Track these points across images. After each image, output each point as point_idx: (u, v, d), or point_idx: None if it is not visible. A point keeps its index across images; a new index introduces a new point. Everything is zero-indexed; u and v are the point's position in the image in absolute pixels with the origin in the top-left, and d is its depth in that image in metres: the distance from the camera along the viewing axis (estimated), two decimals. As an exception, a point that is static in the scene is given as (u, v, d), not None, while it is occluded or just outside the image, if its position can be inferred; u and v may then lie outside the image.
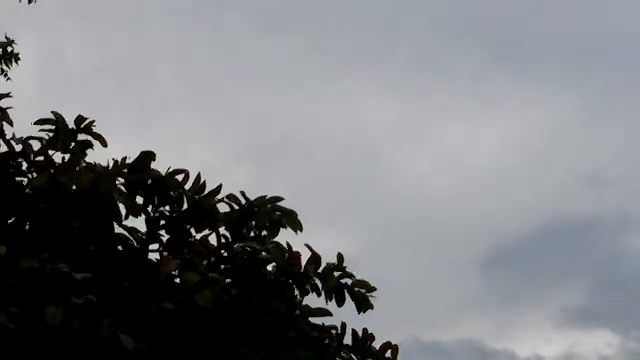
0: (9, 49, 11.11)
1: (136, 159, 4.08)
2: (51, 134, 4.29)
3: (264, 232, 4.15)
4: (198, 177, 4.14)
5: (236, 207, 4.12)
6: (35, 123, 4.27)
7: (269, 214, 4.05)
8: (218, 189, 4.14)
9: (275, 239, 4.12)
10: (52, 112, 4.31)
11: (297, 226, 4.06)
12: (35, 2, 11.30)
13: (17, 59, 11.20)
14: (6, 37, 11.20)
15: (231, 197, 4.13)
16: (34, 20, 11.11)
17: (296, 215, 4.08)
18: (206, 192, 4.10)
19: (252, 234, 4.08)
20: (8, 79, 11.18)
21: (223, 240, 4.14)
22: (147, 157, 4.06)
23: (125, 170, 4.11)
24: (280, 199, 4.13)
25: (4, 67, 11.11)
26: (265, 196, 4.13)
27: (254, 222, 4.05)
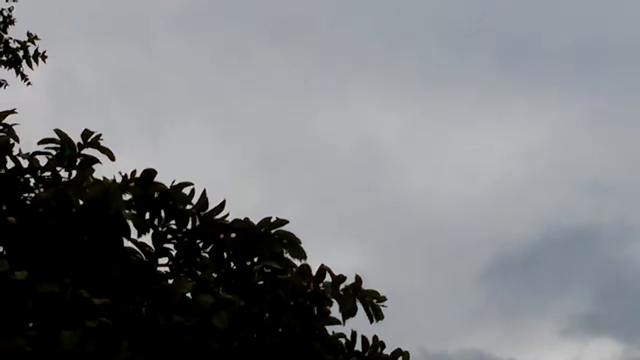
0: (32, 47, 10.61)
1: (140, 177, 4.14)
2: (57, 151, 4.33)
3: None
4: (203, 193, 4.20)
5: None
6: (40, 143, 4.32)
7: (273, 244, 4.11)
8: (221, 205, 4.20)
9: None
10: (55, 130, 4.34)
11: (300, 255, 4.14)
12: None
13: (43, 57, 10.64)
14: (28, 34, 10.71)
15: (236, 223, 4.18)
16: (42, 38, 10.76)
17: (299, 243, 4.16)
18: (210, 208, 4.16)
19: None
20: (28, 83, 10.72)
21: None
22: (149, 175, 4.12)
23: (133, 184, 4.16)
24: (285, 222, 4.18)
25: (26, 67, 10.61)
26: (270, 218, 4.19)
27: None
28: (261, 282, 4.09)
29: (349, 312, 4.03)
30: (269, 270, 4.05)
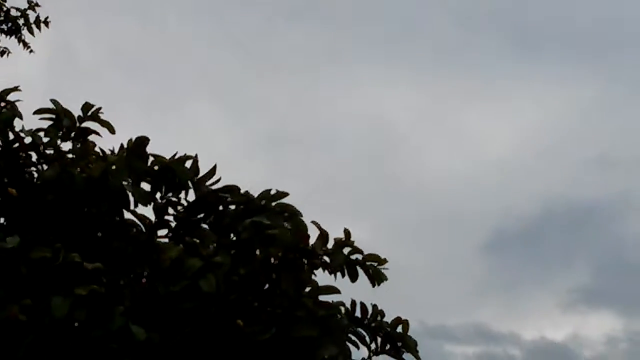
0: (32, 14, 10.34)
1: (132, 145, 4.12)
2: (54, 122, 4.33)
3: None
4: (195, 158, 4.16)
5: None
6: (35, 113, 4.33)
7: (273, 217, 4.06)
8: (213, 170, 4.15)
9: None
10: (51, 100, 4.35)
11: (300, 226, 4.07)
12: None
13: (46, 22, 10.36)
14: (28, 1, 10.45)
15: (235, 195, 4.15)
16: (45, 13, 10.66)
17: (300, 215, 4.11)
18: (200, 175, 4.13)
19: None
20: (31, 51, 10.51)
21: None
22: (141, 142, 4.10)
23: (125, 154, 4.14)
24: (285, 194, 4.13)
25: (27, 35, 10.38)
26: (270, 190, 4.14)
27: None
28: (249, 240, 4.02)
29: (339, 265, 3.98)
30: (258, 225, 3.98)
